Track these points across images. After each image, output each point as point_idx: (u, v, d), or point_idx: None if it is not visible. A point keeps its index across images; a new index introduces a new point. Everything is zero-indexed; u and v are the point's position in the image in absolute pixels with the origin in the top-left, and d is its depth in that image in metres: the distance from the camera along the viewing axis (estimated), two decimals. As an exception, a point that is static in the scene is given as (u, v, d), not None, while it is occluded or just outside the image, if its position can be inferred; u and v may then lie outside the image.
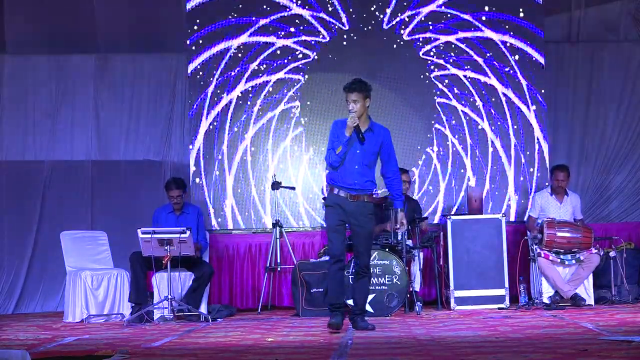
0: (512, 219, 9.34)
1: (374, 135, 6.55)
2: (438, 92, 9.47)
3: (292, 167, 9.41)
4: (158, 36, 9.77)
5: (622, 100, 9.77)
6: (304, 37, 9.44)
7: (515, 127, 9.45)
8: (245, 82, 9.42)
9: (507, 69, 9.45)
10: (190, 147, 9.34)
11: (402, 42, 9.48)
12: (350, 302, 6.88)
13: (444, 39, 9.49)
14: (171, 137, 9.65)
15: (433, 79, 9.47)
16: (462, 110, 9.47)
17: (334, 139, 6.54)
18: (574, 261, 8.29)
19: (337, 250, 6.57)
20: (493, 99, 9.46)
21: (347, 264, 7.32)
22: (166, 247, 7.66)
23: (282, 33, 9.43)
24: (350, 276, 7.24)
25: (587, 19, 9.88)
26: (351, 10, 9.47)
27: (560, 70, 9.81)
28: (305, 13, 9.45)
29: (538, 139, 9.43)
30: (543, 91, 9.45)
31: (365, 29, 9.47)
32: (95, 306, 8.20)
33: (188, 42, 9.35)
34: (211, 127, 9.38)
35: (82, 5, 9.70)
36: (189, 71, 9.35)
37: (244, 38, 9.41)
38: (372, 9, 9.49)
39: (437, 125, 9.46)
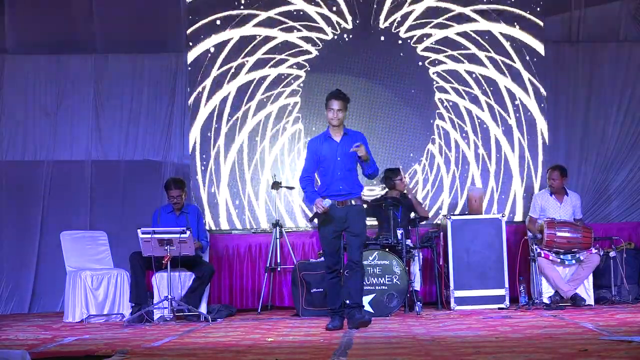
0: (518, 218, 9.36)
1: (350, 138, 6.76)
2: (438, 88, 9.47)
3: (291, 167, 9.42)
4: (157, 36, 9.77)
5: (622, 100, 9.78)
6: (305, 34, 9.46)
7: (516, 124, 9.46)
8: (245, 74, 9.46)
9: (507, 62, 9.48)
10: (190, 147, 9.36)
11: (401, 42, 9.49)
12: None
13: (441, 34, 9.51)
14: (171, 137, 9.65)
15: (432, 75, 9.47)
16: (463, 107, 9.47)
17: (311, 159, 6.79)
18: (574, 261, 8.29)
19: (331, 262, 6.79)
20: (493, 95, 9.47)
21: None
22: (166, 247, 7.66)
23: (281, 27, 9.44)
24: (345, 274, 7.18)
25: (587, 19, 9.88)
26: (351, 9, 9.49)
27: (560, 70, 9.81)
28: (310, 8, 9.48)
29: (542, 135, 9.45)
30: (543, 89, 9.49)
31: (365, 29, 9.48)
32: (95, 306, 8.21)
33: (188, 32, 9.43)
34: (211, 126, 9.39)
35: (81, 6, 9.71)
36: (189, 63, 9.40)
37: (246, 29, 9.44)
38: (372, 8, 9.50)
39: (437, 123, 9.47)
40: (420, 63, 9.48)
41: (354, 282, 6.76)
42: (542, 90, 9.50)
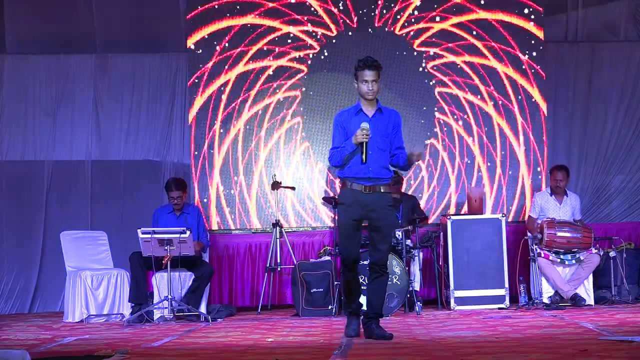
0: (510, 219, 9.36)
1: (384, 116, 5.97)
2: (437, 89, 9.47)
3: (291, 167, 9.41)
4: (158, 36, 9.77)
5: (622, 100, 9.77)
6: (302, 36, 9.46)
7: (515, 125, 9.46)
8: (244, 80, 9.46)
9: (506, 57, 9.48)
10: (191, 147, 9.37)
11: (400, 42, 9.48)
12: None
13: (439, 26, 9.48)
14: (171, 137, 9.65)
15: (432, 79, 9.47)
16: (461, 110, 9.47)
17: (339, 134, 5.97)
18: (574, 261, 8.29)
19: (350, 257, 5.96)
20: (493, 84, 9.46)
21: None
22: (166, 247, 7.66)
23: (280, 27, 9.45)
24: (363, 280, 6.73)
25: (587, 19, 9.87)
26: (349, 8, 9.49)
27: (560, 70, 9.81)
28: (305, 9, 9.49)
29: (539, 137, 9.45)
30: (543, 86, 9.49)
31: (365, 28, 9.48)
32: (95, 306, 8.21)
33: (187, 40, 9.44)
34: (210, 126, 9.39)
35: (81, 5, 9.71)
36: (188, 70, 9.41)
37: (245, 19, 9.45)
38: (372, 7, 9.50)
39: (437, 124, 9.47)
40: (417, 58, 9.46)
41: (378, 289, 5.97)
42: (540, 95, 9.50)
